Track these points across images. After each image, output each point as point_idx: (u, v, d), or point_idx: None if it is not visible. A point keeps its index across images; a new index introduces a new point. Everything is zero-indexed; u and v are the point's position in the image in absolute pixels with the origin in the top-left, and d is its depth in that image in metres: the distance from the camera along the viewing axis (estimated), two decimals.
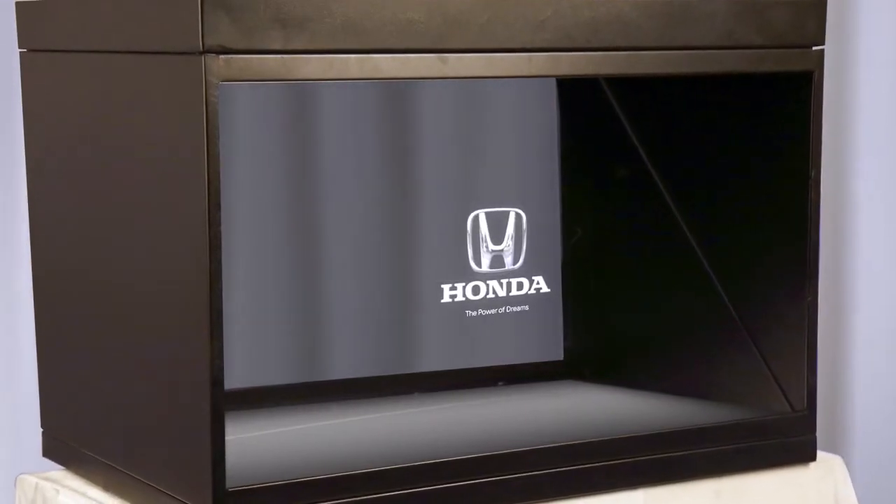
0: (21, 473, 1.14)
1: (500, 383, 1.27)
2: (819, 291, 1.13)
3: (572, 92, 1.29)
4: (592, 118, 1.26)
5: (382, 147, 1.50)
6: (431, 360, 1.41)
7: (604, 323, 1.27)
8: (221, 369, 0.94)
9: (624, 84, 1.24)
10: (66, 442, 1.15)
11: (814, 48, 1.11)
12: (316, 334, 1.48)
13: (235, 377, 1.19)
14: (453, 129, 1.54)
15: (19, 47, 1.18)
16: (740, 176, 1.17)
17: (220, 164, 0.95)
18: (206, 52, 0.93)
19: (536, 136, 1.51)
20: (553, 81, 1.29)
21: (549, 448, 1.05)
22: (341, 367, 1.46)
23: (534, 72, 1.00)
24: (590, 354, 1.29)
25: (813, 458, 1.15)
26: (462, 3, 0.99)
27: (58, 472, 1.14)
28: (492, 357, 1.42)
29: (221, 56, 0.93)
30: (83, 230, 1.12)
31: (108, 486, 1.09)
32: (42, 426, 1.18)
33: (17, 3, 1.18)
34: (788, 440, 1.13)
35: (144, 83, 1.01)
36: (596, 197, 1.28)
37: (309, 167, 1.47)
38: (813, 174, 1.12)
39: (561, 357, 1.30)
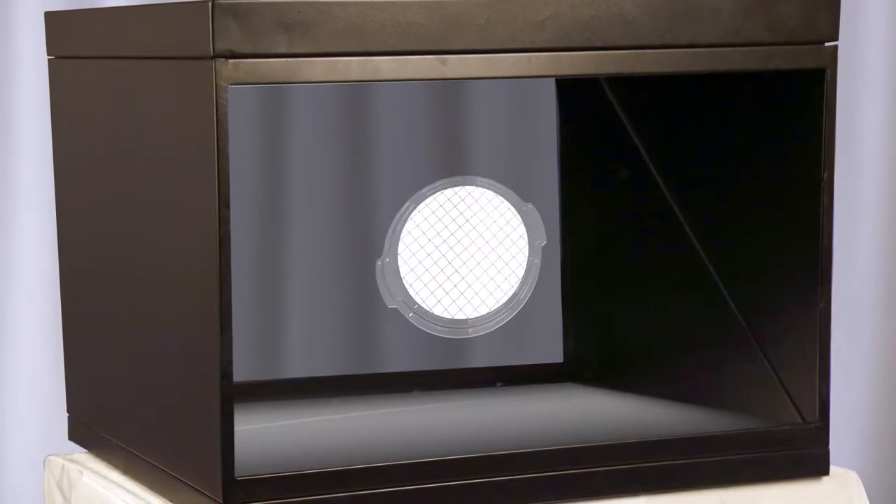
0: (49, 455, 1.20)
1: (498, 384, 1.28)
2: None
3: (572, 92, 1.29)
4: (593, 118, 1.26)
5: (387, 147, 1.55)
6: (432, 360, 1.46)
7: (604, 326, 1.27)
8: (230, 363, 0.97)
9: (625, 83, 1.24)
10: (89, 427, 1.19)
11: (826, 45, 1.10)
12: (322, 332, 1.55)
13: (244, 371, 1.26)
14: (454, 129, 1.59)
15: (47, 54, 1.24)
16: (748, 178, 1.16)
17: (232, 163, 1.01)
18: (216, 56, 0.96)
19: (536, 135, 1.55)
20: (553, 81, 1.30)
21: (547, 451, 1.05)
22: (344, 365, 1.52)
23: (534, 72, 1.01)
24: (589, 357, 1.29)
25: (825, 472, 1.12)
26: (461, 5, 1.00)
27: (82, 455, 1.18)
28: (491, 358, 1.46)
29: (230, 60, 0.96)
30: (105, 227, 1.15)
31: (127, 470, 1.12)
32: (68, 411, 1.23)
33: (45, 14, 1.25)
34: (799, 452, 1.11)
35: (159, 87, 1.05)
36: (596, 198, 1.28)
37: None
38: (825, 176, 1.10)
39: (560, 359, 1.31)
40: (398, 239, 1.19)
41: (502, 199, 1.21)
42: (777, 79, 1.12)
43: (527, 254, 1.20)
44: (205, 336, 1.00)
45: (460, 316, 1.20)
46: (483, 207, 1.21)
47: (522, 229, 1.21)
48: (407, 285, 1.19)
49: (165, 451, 1.07)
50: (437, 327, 1.20)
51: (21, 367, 1.52)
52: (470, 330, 1.20)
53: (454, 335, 1.20)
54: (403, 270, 1.19)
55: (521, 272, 1.21)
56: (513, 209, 1.21)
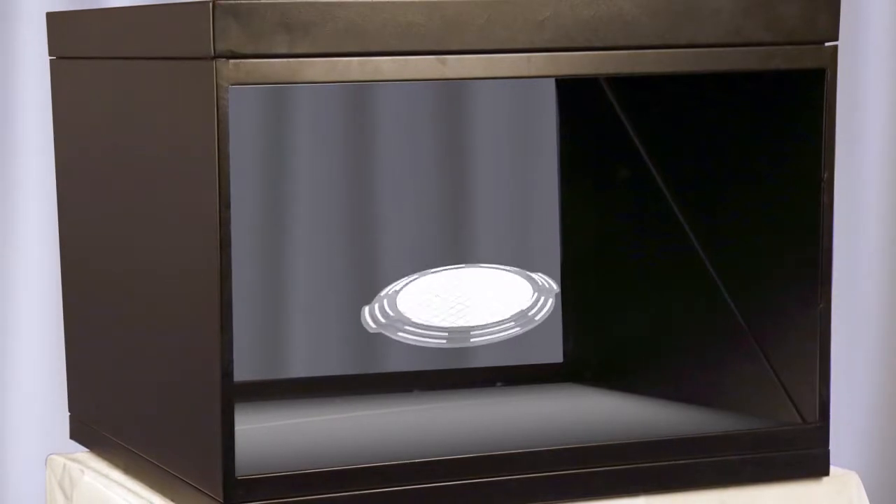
0: (51, 454, 1.20)
1: (498, 384, 1.28)
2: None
3: (572, 92, 1.29)
4: (593, 118, 1.26)
5: (386, 147, 1.56)
6: (432, 360, 1.46)
7: (604, 326, 1.27)
8: (231, 362, 0.97)
9: (625, 83, 1.24)
10: (90, 426, 1.19)
11: (826, 44, 1.10)
12: (323, 332, 1.55)
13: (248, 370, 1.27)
14: (454, 129, 1.59)
15: (49, 55, 1.24)
16: (748, 178, 1.16)
17: (232, 164, 1.02)
18: (216, 56, 0.96)
19: (536, 135, 1.55)
20: (553, 81, 1.30)
21: (547, 451, 1.05)
22: (345, 365, 1.52)
23: (533, 72, 1.01)
24: (589, 358, 1.29)
25: (826, 472, 1.12)
26: (461, 5, 1.00)
27: (83, 454, 1.19)
28: (491, 358, 1.46)
29: (231, 60, 0.96)
30: (107, 226, 1.15)
31: (129, 469, 1.13)
32: (69, 410, 1.23)
33: (47, 14, 1.25)
34: (800, 453, 1.11)
35: (160, 87, 1.05)
36: (596, 198, 1.28)
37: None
38: (825, 176, 1.10)
39: (560, 360, 1.31)
40: (396, 295, 1.19)
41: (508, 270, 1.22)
42: (777, 79, 1.12)
43: (532, 291, 1.21)
44: (206, 335, 1.00)
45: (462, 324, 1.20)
46: (486, 271, 1.22)
47: (529, 285, 1.21)
48: (407, 312, 1.19)
49: (166, 451, 1.08)
50: (437, 335, 1.19)
51: (23, 367, 1.52)
52: (472, 340, 1.20)
53: (455, 344, 1.20)
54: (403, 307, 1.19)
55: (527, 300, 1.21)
56: (519, 275, 1.22)
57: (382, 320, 1.17)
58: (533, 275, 1.22)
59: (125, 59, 1.11)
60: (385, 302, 1.18)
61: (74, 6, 1.52)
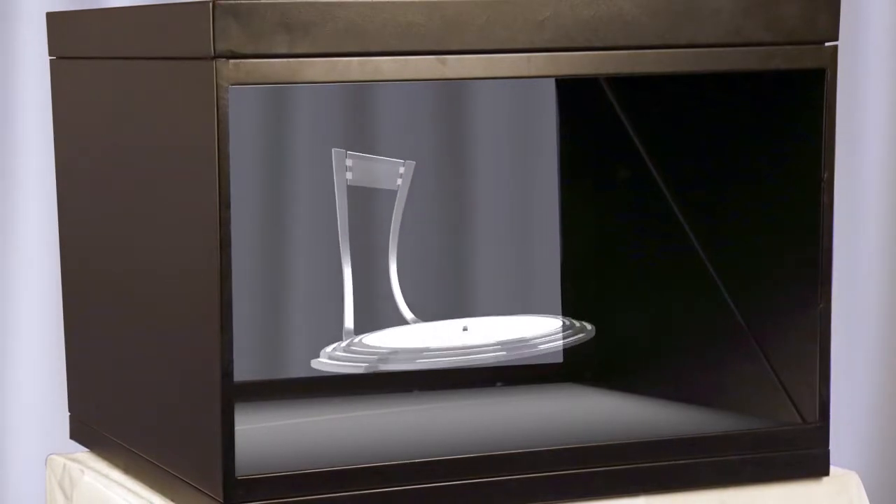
0: (51, 454, 1.20)
1: (498, 384, 1.28)
2: None
3: (572, 92, 1.29)
4: (593, 118, 1.27)
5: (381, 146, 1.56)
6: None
7: (604, 326, 1.26)
8: (231, 362, 0.97)
9: (625, 83, 1.24)
10: (90, 426, 1.19)
11: (826, 44, 1.10)
12: (323, 332, 1.55)
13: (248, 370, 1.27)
14: (454, 129, 1.59)
15: (49, 55, 1.24)
16: (748, 178, 1.16)
17: (232, 163, 1.02)
18: (216, 56, 0.96)
19: (536, 135, 1.55)
20: (553, 81, 1.30)
21: (547, 451, 1.05)
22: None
23: (533, 72, 1.02)
24: (589, 358, 1.29)
25: (826, 472, 1.12)
26: (461, 5, 1.00)
27: (83, 454, 1.19)
28: None
29: (231, 60, 0.96)
30: (107, 226, 1.15)
31: (129, 469, 1.13)
32: (69, 410, 1.23)
33: (47, 14, 1.25)
34: (800, 453, 1.11)
35: (160, 87, 1.05)
36: (596, 198, 1.28)
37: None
38: (825, 176, 1.10)
39: (560, 359, 1.31)
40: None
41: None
42: (777, 79, 1.12)
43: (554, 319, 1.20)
44: (206, 335, 1.00)
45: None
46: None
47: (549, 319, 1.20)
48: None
49: (166, 451, 1.08)
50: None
51: (23, 367, 1.53)
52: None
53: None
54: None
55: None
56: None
57: (366, 356, 1.15)
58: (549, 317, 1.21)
59: (125, 59, 1.11)
60: (360, 339, 1.16)
61: (74, 6, 1.52)
